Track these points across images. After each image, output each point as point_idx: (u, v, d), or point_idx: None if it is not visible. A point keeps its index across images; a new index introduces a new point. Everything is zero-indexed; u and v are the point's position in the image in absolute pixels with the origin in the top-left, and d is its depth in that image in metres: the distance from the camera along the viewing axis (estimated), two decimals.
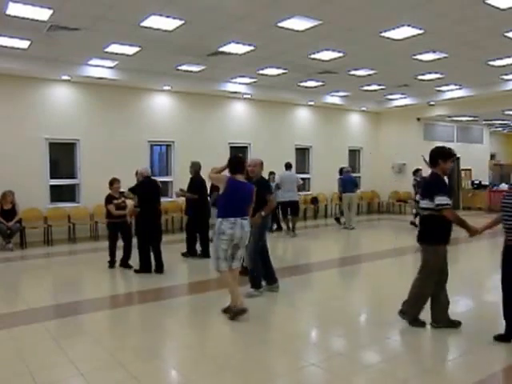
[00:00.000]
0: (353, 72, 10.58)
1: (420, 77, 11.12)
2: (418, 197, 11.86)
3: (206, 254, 8.05)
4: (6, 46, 8.15)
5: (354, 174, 13.93)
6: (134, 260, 7.17)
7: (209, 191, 9.04)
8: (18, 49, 8.30)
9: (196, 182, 8.31)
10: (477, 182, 17.04)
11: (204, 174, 10.76)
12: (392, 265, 8.00)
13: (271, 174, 11.14)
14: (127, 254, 7.30)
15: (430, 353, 3.91)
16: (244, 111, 13.21)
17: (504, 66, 9.96)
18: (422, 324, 4.40)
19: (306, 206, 13.58)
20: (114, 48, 8.40)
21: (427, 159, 4.56)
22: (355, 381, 3.49)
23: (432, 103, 14.21)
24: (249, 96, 12.67)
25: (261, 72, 10.54)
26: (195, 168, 8.43)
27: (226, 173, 5.05)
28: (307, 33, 7.50)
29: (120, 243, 7.33)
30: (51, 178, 10.25)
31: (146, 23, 7.01)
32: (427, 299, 4.40)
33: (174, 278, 7.12)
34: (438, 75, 10.95)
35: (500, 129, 20.71)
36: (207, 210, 8.44)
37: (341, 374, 3.56)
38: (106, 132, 10.80)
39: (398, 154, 15.28)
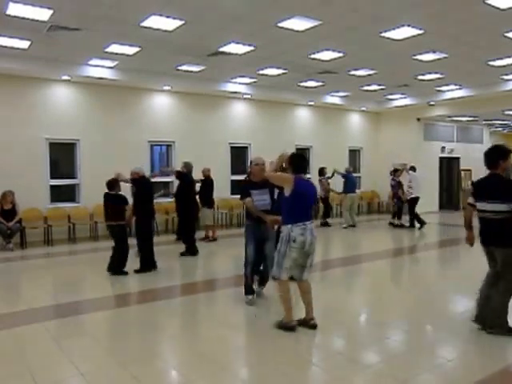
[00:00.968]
0: (353, 72, 10.58)
1: (420, 77, 11.12)
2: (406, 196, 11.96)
3: (192, 252, 8.26)
4: (6, 46, 8.15)
5: (355, 174, 13.99)
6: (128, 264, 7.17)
7: (198, 191, 9.41)
8: (18, 49, 8.30)
9: (187, 182, 8.68)
10: None
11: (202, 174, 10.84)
12: (392, 264, 8.00)
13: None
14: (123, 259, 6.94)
15: (430, 353, 3.91)
16: (244, 111, 13.21)
17: (504, 66, 9.96)
18: None
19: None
20: (114, 48, 8.40)
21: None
22: (355, 381, 3.49)
23: (432, 103, 14.21)
24: (249, 96, 12.67)
25: (261, 72, 10.54)
26: (188, 168, 8.86)
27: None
28: (307, 33, 7.50)
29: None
30: (51, 178, 10.25)
31: (146, 23, 7.01)
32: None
33: (174, 278, 7.13)
34: (437, 75, 10.95)
35: (500, 129, 20.71)
36: (195, 210, 8.87)
37: (341, 373, 3.56)
38: (106, 132, 10.80)
39: (398, 154, 15.29)
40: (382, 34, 7.66)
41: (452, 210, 16.48)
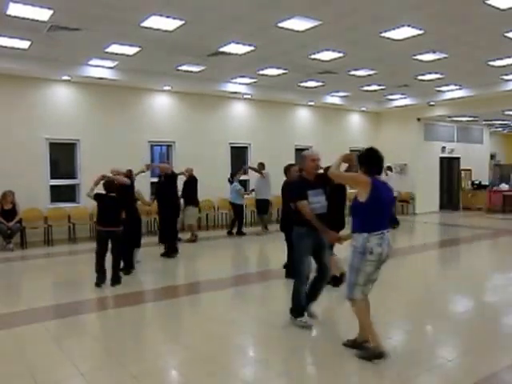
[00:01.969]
0: (353, 72, 10.58)
1: (420, 77, 11.12)
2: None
3: (173, 251, 8.20)
4: (6, 47, 8.15)
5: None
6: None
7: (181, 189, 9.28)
8: (18, 49, 8.30)
9: (173, 182, 8.57)
10: (477, 182, 17.05)
11: (205, 175, 10.83)
12: (392, 265, 7.99)
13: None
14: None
15: (431, 353, 3.90)
16: (244, 111, 13.21)
17: (504, 66, 9.96)
18: None
19: None
20: (115, 48, 8.41)
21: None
22: (355, 380, 3.49)
23: (432, 103, 14.21)
24: (249, 96, 12.67)
25: (261, 72, 10.55)
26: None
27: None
28: (307, 33, 7.50)
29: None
30: (51, 178, 10.25)
31: (146, 23, 7.01)
32: None
33: (174, 278, 7.13)
34: (438, 75, 10.95)
35: (500, 129, 20.71)
36: (178, 208, 8.76)
37: (341, 373, 3.56)
38: (107, 132, 10.81)
39: (399, 155, 15.30)
40: (382, 34, 7.66)
41: (452, 210, 16.49)
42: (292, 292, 4.49)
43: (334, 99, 14.03)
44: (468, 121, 16.78)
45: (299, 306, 4.46)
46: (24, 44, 8.03)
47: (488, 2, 6.26)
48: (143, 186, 9.44)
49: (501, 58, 9.42)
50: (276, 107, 13.63)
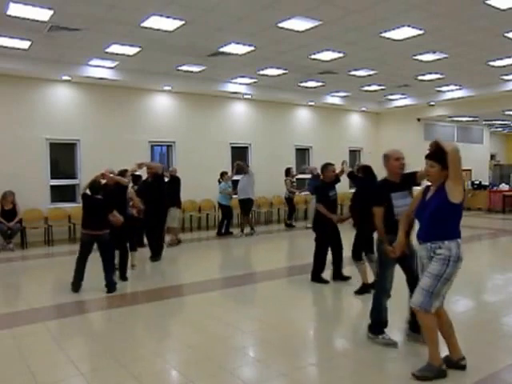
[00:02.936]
0: (353, 72, 10.58)
1: (420, 77, 11.12)
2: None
3: (157, 254, 7.94)
4: (6, 47, 8.16)
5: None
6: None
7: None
8: (18, 49, 8.31)
9: (162, 182, 8.37)
10: (477, 182, 17.05)
11: (205, 175, 10.84)
12: None
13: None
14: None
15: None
16: (244, 111, 13.21)
17: (504, 66, 9.97)
18: None
19: (307, 206, 13.56)
20: (115, 48, 8.41)
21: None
22: (356, 380, 3.49)
23: (432, 103, 14.21)
24: (249, 96, 12.67)
25: (261, 72, 10.55)
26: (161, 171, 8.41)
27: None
28: (307, 33, 7.51)
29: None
30: (52, 178, 10.26)
31: (146, 23, 7.02)
32: None
33: (174, 278, 7.13)
34: (438, 75, 10.96)
35: (500, 129, 20.72)
36: (165, 212, 8.46)
37: (341, 373, 3.56)
38: (107, 132, 10.81)
39: None
40: (382, 34, 7.67)
41: None
42: (372, 305, 4.09)
43: (334, 99, 14.03)
44: (468, 121, 16.79)
45: (379, 321, 4.04)
46: (24, 44, 8.03)
47: (488, 2, 6.27)
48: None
49: (501, 58, 9.43)
50: (276, 107, 13.64)
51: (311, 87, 12.37)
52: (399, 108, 15.16)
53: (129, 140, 11.00)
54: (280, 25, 7.14)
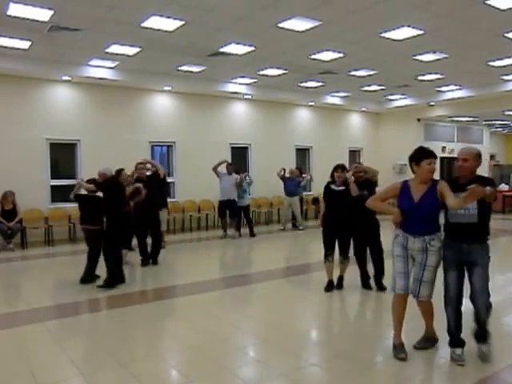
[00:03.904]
0: (353, 72, 10.59)
1: (420, 77, 11.13)
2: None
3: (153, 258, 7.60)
4: (6, 47, 8.16)
5: None
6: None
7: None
8: (18, 49, 8.32)
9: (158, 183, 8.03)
10: None
11: (205, 175, 10.83)
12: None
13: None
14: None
15: (430, 353, 3.90)
16: (244, 112, 13.22)
17: (504, 66, 9.97)
18: None
19: (307, 207, 13.58)
20: (115, 48, 8.41)
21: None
22: (355, 380, 3.49)
23: (432, 104, 14.22)
24: (249, 96, 12.68)
25: (261, 72, 10.55)
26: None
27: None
28: (307, 33, 7.51)
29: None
30: (52, 178, 10.26)
31: (146, 24, 7.02)
32: None
33: (174, 278, 7.13)
34: (438, 76, 10.96)
35: (500, 129, 20.72)
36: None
37: (341, 373, 3.56)
38: (107, 132, 10.81)
39: (399, 155, 15.30)
40: (382, 35, 7.67)
41: None
42: None
43: (334, 99, 14.03)
44: (468, 121, 16.78)
45: (448, 333, 3.83)
46: (24, 44, 8.04)
47: (488, 2, 6.27)
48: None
49: (501, 58, 9.43)
50: (276, 107, 13.64)
51: (311, 87, 12.37)
52: (399, 108, 15.16)
53: (129, 140, 11.00)
54: (280, 25, 7.14)
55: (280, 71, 10.44)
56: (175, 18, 6.84)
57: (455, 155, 3.96)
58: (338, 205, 5.68)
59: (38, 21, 6.78)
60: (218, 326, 4.68)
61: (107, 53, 8.69)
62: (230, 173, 10.63)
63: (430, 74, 10.76)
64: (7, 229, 9.05)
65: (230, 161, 11.52)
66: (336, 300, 5.67)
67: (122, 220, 6.27)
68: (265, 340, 4.29)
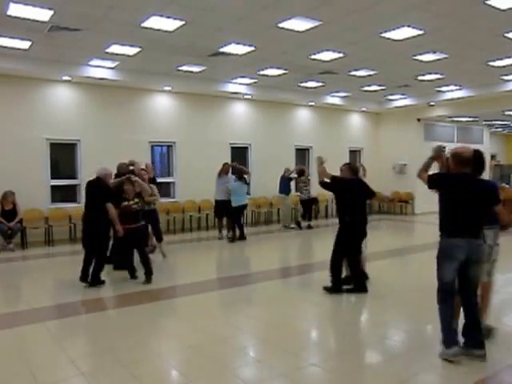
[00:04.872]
0: (353, 72, 10.59)
1: (420, 77, 11.12)
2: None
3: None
4: (6, 47, 8.16)
5: None
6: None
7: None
8: (19, 49, 8.31)
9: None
10: None
11: (205, 175, 10.83)
12: (390, 265, 8.00)
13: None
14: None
15: (430, 353, 3.90)
16: (244, 112, 13.22)
17: (504, 66, 9.96)
18: None
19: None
20: (115, 48, 8.41)
21: None
22: (355, 380, 3.50)
23: (432, 104, 14.21)
24: (249, 96, 12.68)
25: (261, 72, 10.55)
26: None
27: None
28: (307, 33, 7.51)
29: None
30: (52, 178, 10.26)
31: (146, 24, 7.02)
32: None
33: (174, 278, 7.13)
34: (438, 76, 10.95)
35: (500, 129, 20.72)
36: None
37: (341, 373, 3.56)
38: (107, 132, 10.81)
39: (399, 155, 15.31)
40: (382, 35, 7.67)
41: None
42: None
43: (334, 99, 14.03)
44: (468, 121, 16.78)
45: (443, 330, 3.76)
46: (24, 44, 8.04)
47: (488, 2, 6.27)
48: None
49: (501, 58, 9.42)
50: (276, 107, 13.65)
51: (311, 87, 12.37)
52: (399, 108, 15.16)
53: (129, 140, 11.00)
54: (280, 25, 7.14)
55: (280, 71, 10.44)
56: (175, 18, 6.84)
57: None
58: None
59: (38, 21, 6.78)
60: (217, 325, 4.69)
61: (107, 53, 8.69)
62: (227, 173, 10.59)
63: (430, 74, 10.76)
64: (7, 229, 9.05)
65: (229, 161, 11.50)
66: (336, 300, 5.67)
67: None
68: (265, 340, 4.30)
